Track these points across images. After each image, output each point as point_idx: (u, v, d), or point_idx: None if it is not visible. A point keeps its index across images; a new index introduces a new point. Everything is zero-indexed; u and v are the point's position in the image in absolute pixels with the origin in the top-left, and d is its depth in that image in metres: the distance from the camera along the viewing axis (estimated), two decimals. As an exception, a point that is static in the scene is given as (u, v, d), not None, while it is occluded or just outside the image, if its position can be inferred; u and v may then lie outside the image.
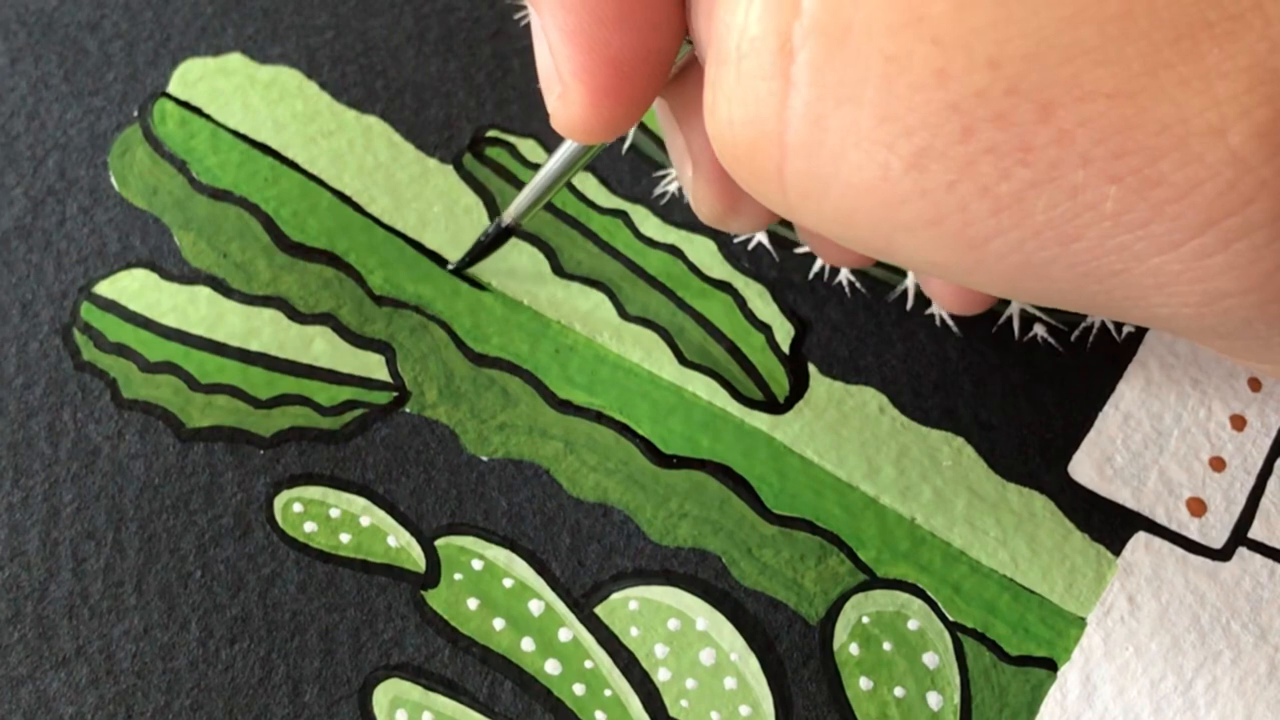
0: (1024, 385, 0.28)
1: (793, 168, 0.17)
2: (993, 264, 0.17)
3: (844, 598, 0.26)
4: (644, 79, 0.19)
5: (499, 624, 0.26)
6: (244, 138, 0.30)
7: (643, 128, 0.30)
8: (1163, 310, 0.17)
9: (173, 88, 0.30)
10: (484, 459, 0.27)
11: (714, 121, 0.17)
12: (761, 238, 0.29)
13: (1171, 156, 0.14)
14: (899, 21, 0.15)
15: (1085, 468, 0.27)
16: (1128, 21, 0.14)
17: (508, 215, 0.27)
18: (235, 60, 0.31)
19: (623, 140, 0.30)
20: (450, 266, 0.28)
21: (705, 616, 0.26)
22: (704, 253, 0.29)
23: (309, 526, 0.26)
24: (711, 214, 0.23)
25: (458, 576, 0.26)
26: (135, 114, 0.30)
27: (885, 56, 0.15)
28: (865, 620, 0.26)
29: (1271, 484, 0.27)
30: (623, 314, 0.28)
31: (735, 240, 0.29)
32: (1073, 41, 0.14)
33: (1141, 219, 0.15)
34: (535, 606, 0.26)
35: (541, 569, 0.26)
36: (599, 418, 0.27)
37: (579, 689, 0.25)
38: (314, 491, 0.26)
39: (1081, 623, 0.26)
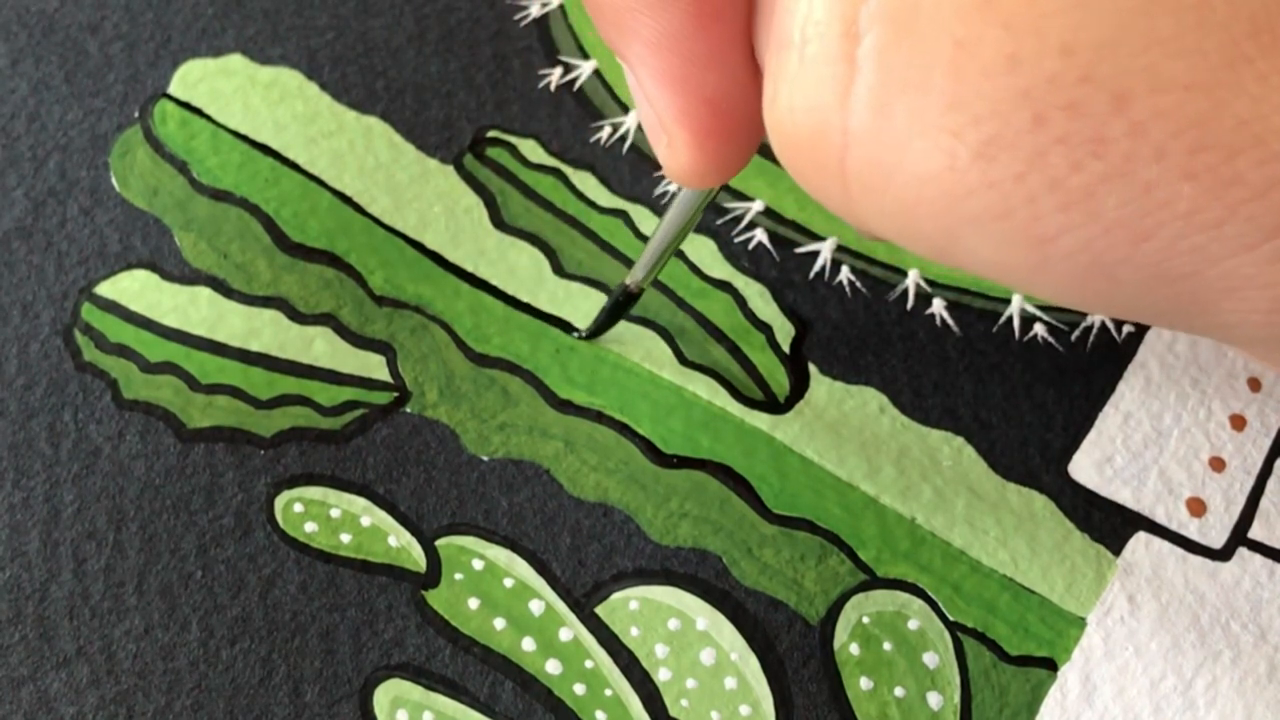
0: (1024, 385, 0.28)
1: (855, 157, 0.16)
2: (1058, 264, 0.16)
3: (844, 597, 0.26)
4: (746, 113, 0.19)
5: (500, 624, 0.26)
6: (245, 138, 0.30)
7: (643, 127, 0.31)
8: (1231, 318, 0.16)
9: (173, 89, 0.30)
10: (484, 459, 0.27)
11: (774, 111, 0.17)
12: (762, 237, 0.29)
13: (1249, 154, 0.14)
14: (969, 6, 0.14)
15: (1085, 468, 0.27)
16: (1205, 11, 0.14)
17: (631, 278, 0.26)
18: (236, 61, 0.31)
19: (623, 140, 0.30)
20: (579, 334, 0.28)
21: (705, 616, 0.26)
22: (704, 252, 0.29)
23: (310, 527, 0.26)
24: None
25: (458, 576, 0.26)
26: (136, 115, 0.30)
27: (954, 41, 0.15)
28: (865, 620, 0.26)
29: (1271, 484, 0.27)
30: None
31: (736, 240, 0.29)
32: (1148, 30, 0.14)
33: (1216, 219, 0.15)
34: (536, 606, 0.26)
35: (542, 569, 0.26)
36: (599, 417, 0.27)
37: (579, 689, 0.25)
38: (314, 492, 0.26)
39: (1081, 622, 0.26)
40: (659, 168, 0.30)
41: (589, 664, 0.25)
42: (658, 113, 0.19)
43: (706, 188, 0.22)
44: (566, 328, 0.28)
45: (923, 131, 0.15)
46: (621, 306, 0.27)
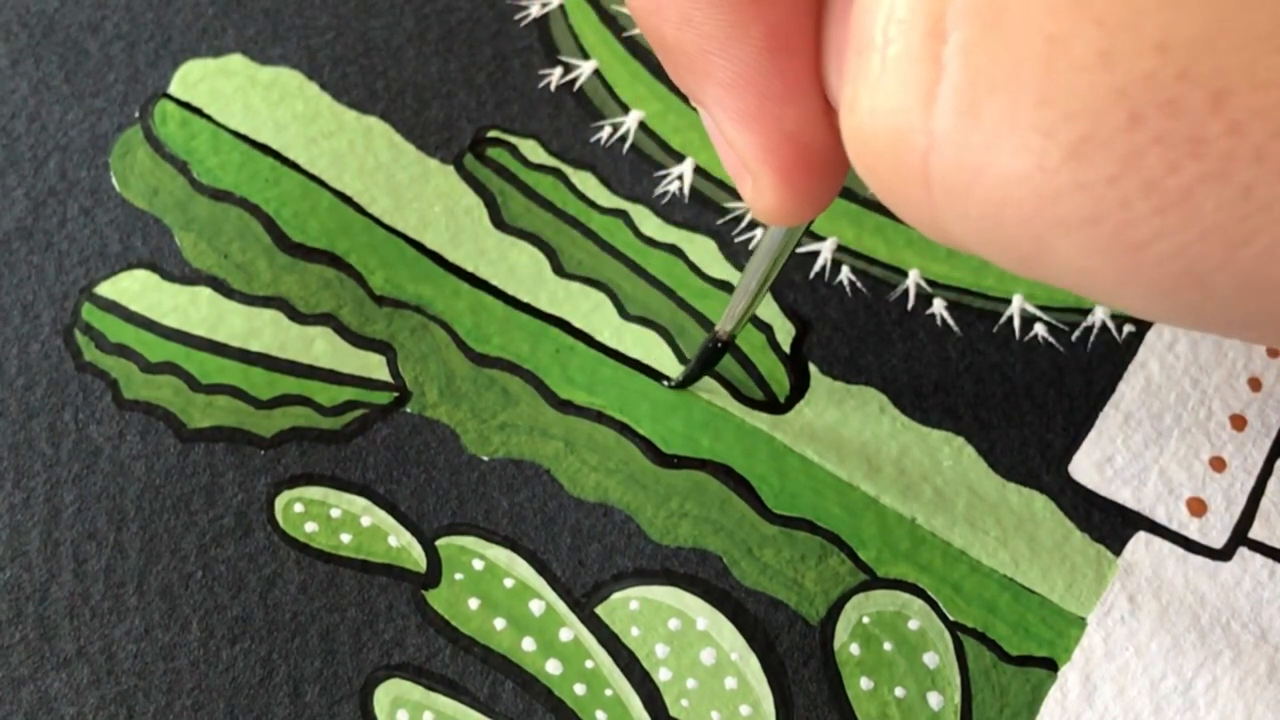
0: (1024, 385, 0.28)
1: (940, 159, 0.15)
2: (1150, 271, 0.15)
3: (844, 597, 0.26)
4: (829, 145, 0.19)
5: (500, 624, 0.26)
6: (245, 139, 0.30)
7: (644, 127, 0.31)
8: None
9: (174, 89, 0.30)
10: (485, 459, 0.27)
11: (853, 115, 0.16)
12: (762, 238, 0.29)
13: None
14: (1060, 1, 0.14)
15: (1086, 467, 0.27)
16: None
17: (722, 326, 0.26)
18: (236, 61, 0.31)
19: (623, 140, 0.30)
20: (670, 383, 0.27)
21: (706, 616, 0.26)
22: (704, 252, 0.29)
23: (310, 526, 0.26)
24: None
25: (458, 576, 0.26)
26: (136, 115, 0.30)
27: (1045, 37, 0.14)
28: (866, 620, 0.26)
29: (1272, 484, 0.27)
30: (623, 314, 0.28)
31: (736, 240, 0.29)
32: (1246, 26, 0.14)
33: None
34: (536, 606, 0.26)
35: (542, 569, 0.26)
36: (599, 417, 0.27)
37: (580, 689, 0.25)
38: (315, 492, 0.26)
39: (1082, 622, 0.26)
40: (659, 168, 0.30)
41: (589, 664, 0.25)
42: (739, 154, 0.19)
43: (795, 225, 0.22)
44: (567, 328, 0.28)
45: (1012, 131, 0.15)
46: (712, 356, 0.27)
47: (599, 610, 0.26)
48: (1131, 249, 0.15)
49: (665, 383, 0.27)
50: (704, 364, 0.27)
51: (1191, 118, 0.14)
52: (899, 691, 0.25)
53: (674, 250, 0.29)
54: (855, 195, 0.30)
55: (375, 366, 0.28)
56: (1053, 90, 0.14)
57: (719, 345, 0.26)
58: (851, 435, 0.27)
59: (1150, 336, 0.28)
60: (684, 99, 0.31)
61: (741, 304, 0.25)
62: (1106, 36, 0.14)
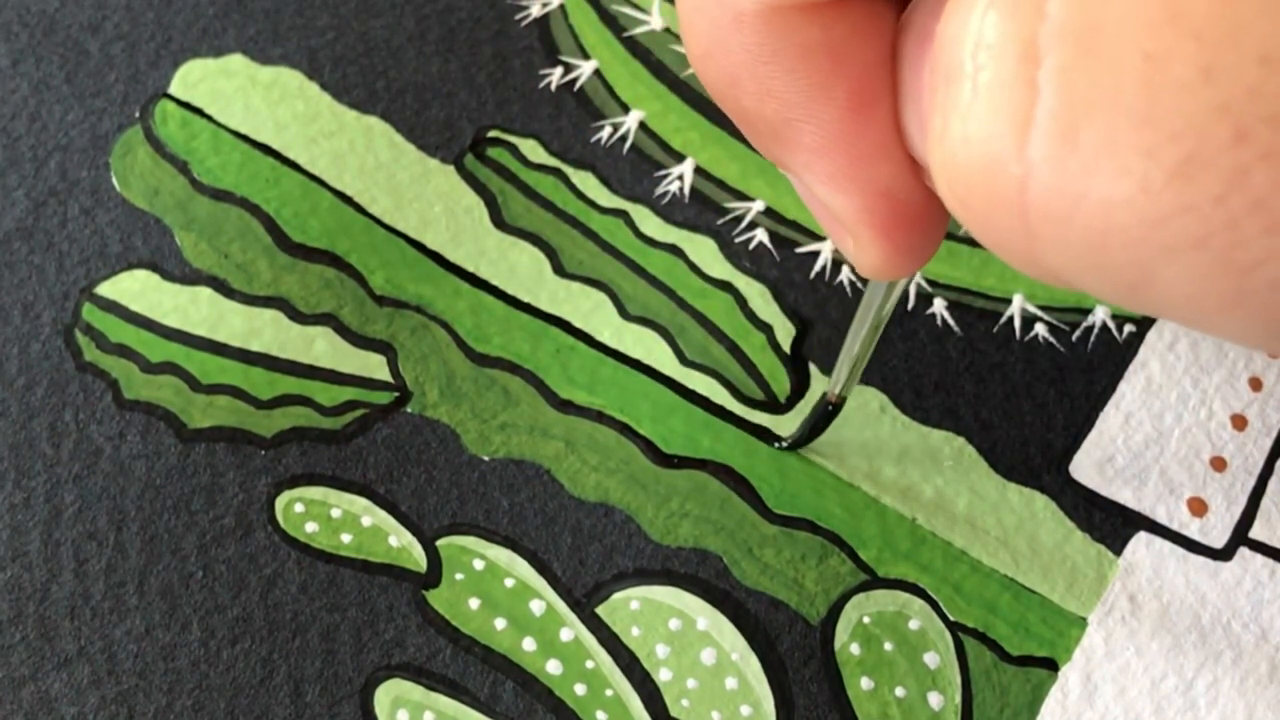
0: (1025, 385, 0.28)
1: (1037, 186, 0.15)
2: (1258, 296, 0.15)
3: (845, 597, 0.26)
4: (927, 195, 0.18)
5: (500, 624, 0.26)
6: (245, 138, 0.30)
7: (644, 127, 0.31)
8: None
9: (174, 89, 0.30)
10: (485, 459, 0.27)
11: (944, 146, 0.16)
12: (763, 237, 0.29)
13: None
14: (1157, 18, 0.14)
15: (1086, 467, 0.27)
16: None
17: (831, 389, 0.25)
18: (236, 61, 0.31)
19: (623, 140, 0.30)
20: (780, 445, 0.27)
21: (706, 616, 0.26)
22: (705, 252, 0.29)
23: (310, 527, 0.26)
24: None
25: (459, 576, 0.26)
26: (137, 115, 0.30)
27: (1143, 54, 0.14)
28: (866, 620, 0.26)
29: (1272, 484, 0.27)
30: (623, 314, 0.28)
31: (737, 240, 0.29)
32: None
33: None
34: (536, 606, 0.26)
35: (543, 569, 0.26)
36: (600, 417, 0.27)
37: (580, 689, 0.25)
38: (315, 492, 0.26)
39: (1083, 622, 0.26)
40: (659, 168, 0.30)
41: (590, 664, 0.25)
42: (836, 215, 0.19)
43: (902, 278, 0.21)
44: (567, 327, 0.28)
45: (1112, 153, 0.14)
46: (824, 418, 0.26)
47: (599, 610, 0.26)
48: (1240, 272, 0.14)
49: (777, 444, 0.27)
50: (815, 428, 0.26)
51: None
52: (899, 691, 0.25)
53: (674, 250, 0.29)
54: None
55: (376, 366, 0.28)
56: (1153, 110, 0.14)
57: (830, 409, 0.26)
58: (851, 435, 0.27)
59: (1151, 336, 0.28)
60: (684, 99, 0.31)
61: (848, 364, 0.24)
62: (1207, 51, 0.14)
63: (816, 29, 0.17)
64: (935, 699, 0.25)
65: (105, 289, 0.28)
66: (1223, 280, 0.15)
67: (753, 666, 0.25)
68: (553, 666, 0.25)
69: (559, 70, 0.31)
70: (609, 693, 0.25)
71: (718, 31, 0.18)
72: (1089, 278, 0.16)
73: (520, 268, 0.29)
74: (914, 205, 0.18)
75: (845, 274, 0.29)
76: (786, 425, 0.27)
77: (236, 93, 0.30)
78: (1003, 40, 0.15)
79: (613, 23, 0.32)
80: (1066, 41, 0.14)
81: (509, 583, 0.26)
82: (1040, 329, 0.28)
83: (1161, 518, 0.27)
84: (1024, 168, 0.15)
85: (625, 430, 0.27)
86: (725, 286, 0.29)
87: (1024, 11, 0.15)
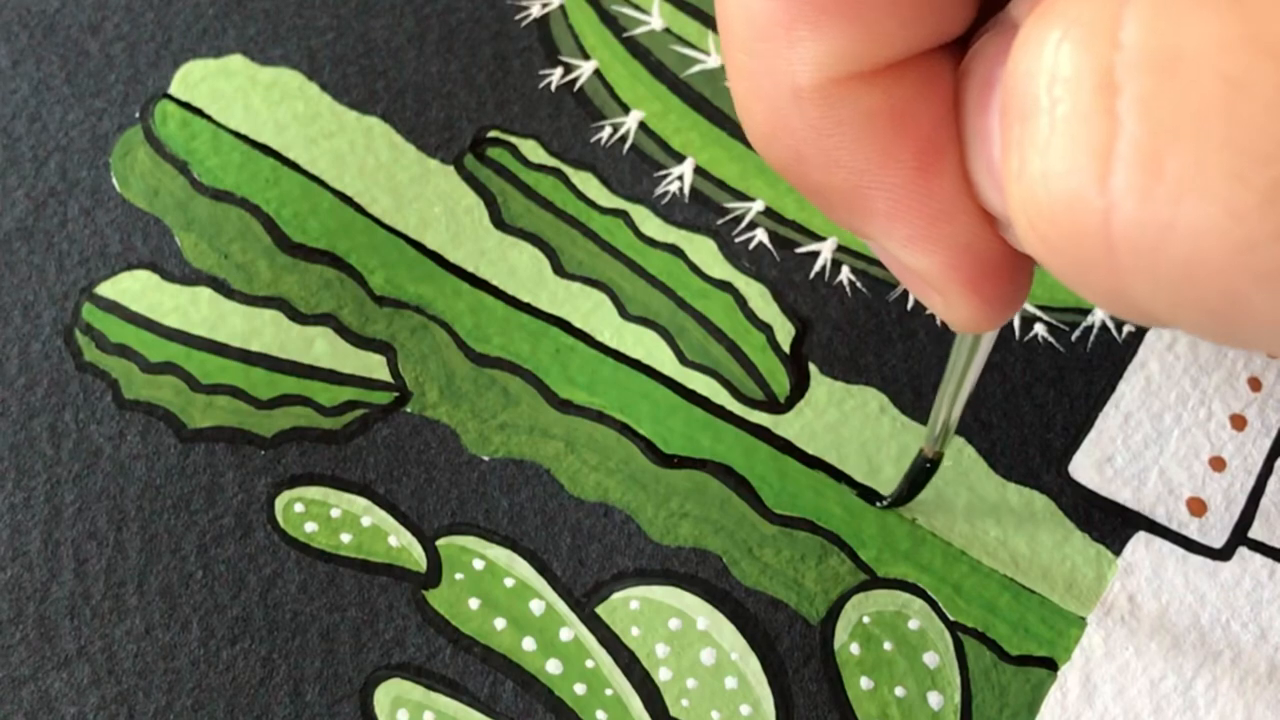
0: (1024, 385, 0.28)
1: (1122, 218, 0.15)
2: None
3: (844, 597, 0.26)
4: (1001, 244, 0.18)
5: (500, 624, 0.26)
6: (245, 139, 0.30)
7: (644, 127, 0.31)
8: None
9: (174, 89, 0.30)
10: (485, 459, 0.27)
11: (1023, 183, 0.15)
12: (762, 237, 0.29)
13: None
14: (1235, 40, 0.13)
15: (1085, 467, 0.27)
16: None
17: (927, 445, 0.25)
18: (236, 62, 0.31)
19: (624, 140, 0.30)
20: (882, 504, 0.27)
21: (706, 616, 0.26)
22: (704, 252, 0.29)
23: (310, 526, 0.26)
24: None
25: (459, 576, 0.26)
26: (137, 115, 0.30)
27: (1224, 78, 0.14)
28: (866, 620, 0.26)
29: (1272, 484, 0.27)
30: (623, 314, 0.28)
31: (736, 240, 0.29)
32: None
33: None
34: (536, 606, 0.26)
35: (543, 568, 0.26)
36: (600, 417, 0.27)
37: (580, 689, 0.25)
38: (315, 491, 0.26)
39: (1082, 622, 0.26)
40: (659, 168, 0.30)
41: (589, 664, 0.25)
42: (919, 274, 0.18)
43: (998, 326, 0.21)
44: (567, 327, 0.28)
45: (1199, 180, 0.14)
46: (923, 474, 0.26)
47: (599, 610, 0.26)
48: None
49: (879, 504, 0.27)
50: (914, 484, 0.26)
51: None
52: (899, 691, 0.25)
53: (674, 250, 0.29)
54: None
55: (375, 366, 0.28)
56: (1238, 133, 0.14)
57: (928, 465, 0.25)
58: (851, 435, 0.27)
59: (1150, 336, 0.28)
60: (684, 99, 0.31)
61: (942, 418, 0.24)
62: None
63: (878, 94, 0.17)
64: (935, 699, 0.25)
65: (105, 289, 0.28)
66: None
67: (752, 666, 0.25)
68: (552, 666, 0.25)
69: (559, 70, 0.31)
70: (609, 692, 0.25)
71: (777, 111, 0.17)
72: (1177, 311, 0.15)
73: (520, 268, 0.29)
74: (997, 256, 0.18)
75: (845, 274, 0.29)
76: (786, 425, 0.27)
77: (236, 93, 0.30)
78: (1078, 72, 0.14)
79: (613, 23, 0.32)
80: (1144, 70, 0.14)
81: (509, 582, 0.26)
82: (1039, 329, 0.28)
83: (1161, 518, 0.27)
84: (1107, 200, 0.15)
85: (625, 430, 0.27)
86: (725, 286, 0.29)
87: (1098, 42, 0.14)
